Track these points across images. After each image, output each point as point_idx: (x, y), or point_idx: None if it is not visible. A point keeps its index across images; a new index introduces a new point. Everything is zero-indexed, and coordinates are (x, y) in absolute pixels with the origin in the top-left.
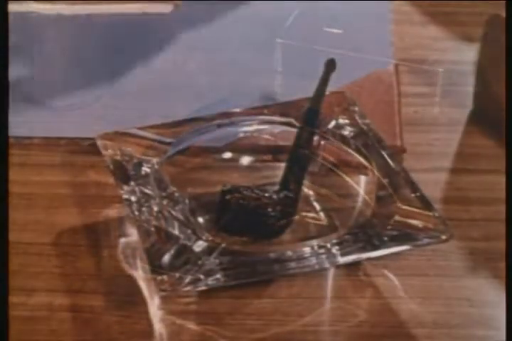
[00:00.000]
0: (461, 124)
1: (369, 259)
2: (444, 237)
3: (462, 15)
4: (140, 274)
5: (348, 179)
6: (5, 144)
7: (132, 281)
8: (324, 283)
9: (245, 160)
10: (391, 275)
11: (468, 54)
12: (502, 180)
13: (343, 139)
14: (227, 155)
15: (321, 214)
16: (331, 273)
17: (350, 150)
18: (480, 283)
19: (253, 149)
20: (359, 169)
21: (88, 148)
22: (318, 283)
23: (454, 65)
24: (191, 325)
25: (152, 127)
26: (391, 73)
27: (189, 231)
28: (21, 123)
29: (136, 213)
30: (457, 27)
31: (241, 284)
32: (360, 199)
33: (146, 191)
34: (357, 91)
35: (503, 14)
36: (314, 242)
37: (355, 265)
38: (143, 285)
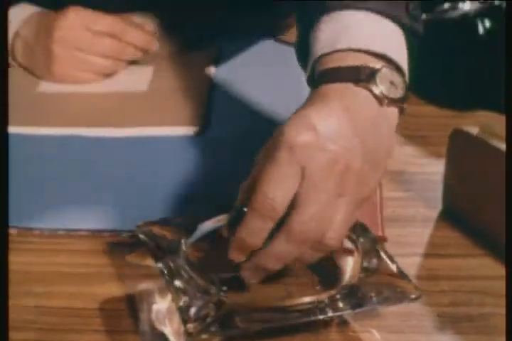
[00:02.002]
0: (433, 221)
1: (356, 318)
2: (414, 296)
3: (435, 138)
4: (170, 330)
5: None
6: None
7: (164, 336)
8: (319, 338)
9: None
10: (374, 332)
11: (439, 167)
12: (468, 262)
13: None
14: None
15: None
16: (323, 329)
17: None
18: (447, 339)
19: None
20: (347, 252)
21: (126, 238)
22: (317, 338)
23: (427, 176)
24: None
25: (181, 217)
26: None
27: (211, 293)
28: (67, 216)
29: (169, 280)
30: (430, 146)
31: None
32: (348, 274)
33: (178, 264)
34: None
35: (465, 128)
36: (311, 298)
37: (344, 323)
38: (173, 337)
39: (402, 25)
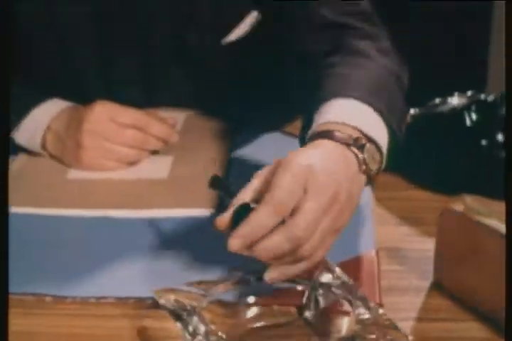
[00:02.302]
0: (425, 290)
1: None
2: None
3: (426, 219)
4: None
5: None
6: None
7: None
8: None
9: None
10: None
11: (430, 245)
12: (457, 325)
13: (329, 287)
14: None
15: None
16: None
17: (338, 298)
18: None
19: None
20: (345, 313)
21: (149, 304)
22: None
23: (420, 252)
24: None
25: (197, 282)
26: (373, 256)
27: None
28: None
29: (188, 336)
30: (423, 226)
31: None
32: (345, 330)
33: (195, 324)
34: (348, 266)
35: (454, 207)
36: None
37: None
38: None
39: (390, 129)
